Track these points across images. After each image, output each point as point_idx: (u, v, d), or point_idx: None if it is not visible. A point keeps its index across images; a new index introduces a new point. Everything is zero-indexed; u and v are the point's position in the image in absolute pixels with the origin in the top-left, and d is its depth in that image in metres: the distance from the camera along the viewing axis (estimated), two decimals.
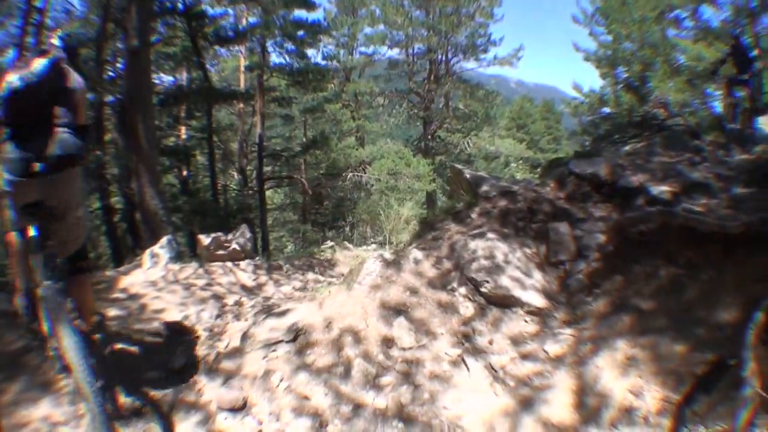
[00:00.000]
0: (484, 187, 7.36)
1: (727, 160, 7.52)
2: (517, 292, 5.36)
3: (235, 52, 26.57)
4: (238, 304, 6.55)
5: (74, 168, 3.62)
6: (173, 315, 6.05)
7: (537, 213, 6.57)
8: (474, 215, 6.93)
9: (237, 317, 5.88)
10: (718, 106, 27.20)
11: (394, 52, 33.13)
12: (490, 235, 6.15)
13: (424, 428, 4.09)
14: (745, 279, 4.32)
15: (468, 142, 31.86)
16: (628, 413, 3.77)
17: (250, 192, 23.99)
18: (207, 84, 21.56)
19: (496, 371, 4.59)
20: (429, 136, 32.14)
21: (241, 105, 24.79)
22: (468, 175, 7.82)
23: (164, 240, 8.88)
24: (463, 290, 5.63)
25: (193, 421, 4.06)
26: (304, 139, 26.84)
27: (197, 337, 5.41)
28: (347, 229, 23.09)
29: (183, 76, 23.90)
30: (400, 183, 25.39)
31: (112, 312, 5.91)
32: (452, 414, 4.21)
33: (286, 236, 29.40)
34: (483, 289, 5.49)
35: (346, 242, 13.58)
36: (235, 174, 25.56)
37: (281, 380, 4.55)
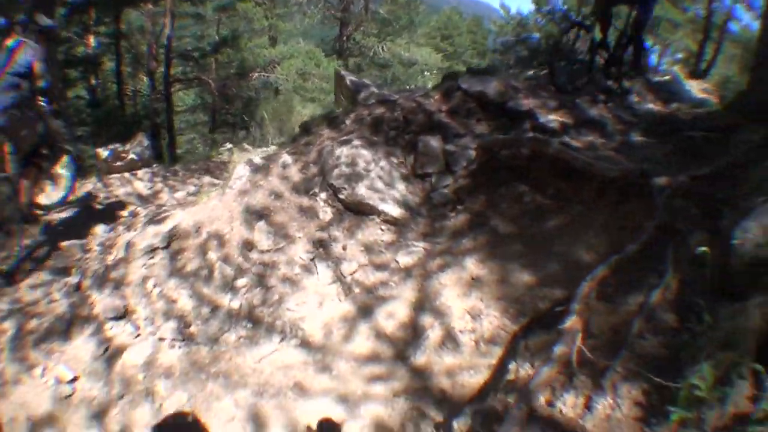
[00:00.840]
0: (363, 94, 7.23)
1: (635, 108, 7.57)
2: (375, 201, 5.36)
3: None
4: (134, 214, 6.68)
5: None
6: (73, 236, 6.06)
7: (411, 124, 6.45)
8: (348, 121, 6.82)
9: (128, 228, 6.01)
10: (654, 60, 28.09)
11: None
12: (357, 142, 6.07)
13: (268, 328, 4.24)
14: (612, 223, 4.41)
15: (383, 47, 31.53)
16: (460, 335, 3.85)
17: (159, 96, 23.07)
18: None
19: (344, 277, 4.65)
20: (344, 38, 31.56)
21: (150, 5, 23.53)
22: (349, 81, 7.67)
23: (65, 159, 8.65)
24: (324, 195, 5.63)
25: (87, 333, 4.26)
26: (217, 39, 25.82)
27: (92, 252, 5.59)
28: (253, 129, 22.71)
29: None
30: (308, 84, 24.79)
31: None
32: (296, 316, 4.32)
33: (197, 138, 28.87)
34: (341, 195, 5.50)
35: (245, 144, 13.29)
36: (145, 78, 24.44)
37: (155, 286, 4.75)
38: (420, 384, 3.58)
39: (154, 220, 5.78)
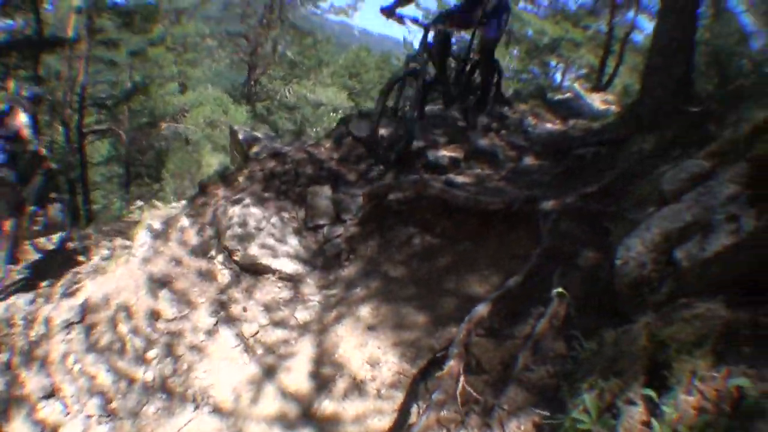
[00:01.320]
0: (256, 149, 7.32)
1: (530, 131, 7.84)
2: (268, 260, 5.48)
3: None
4: (51, 284, 6.53)
5: None
6: None
7: (302, 176, 6.61)
8: (241, 178, 6.93)
9: (47, 299, 5.95)
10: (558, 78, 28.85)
11: None
12: (248, 200, 6.19)
13: (181, 398, 4.28)
14: (502, 254, 4.62)
15: (289, 90, 31.66)
16: (362, 384, 3.98)
17: (75, 146, 22.54)
18: (38, 30, 19.88)
19: (246, 339, 4.74)
20: (252, 82, 31.60)
21: (67, 51, 23.00)
22: (241, 136, 7.74)
23: None
24: (220, 258, 5.74)
25: (23, 413, 4.32)
26: (129, 85, 25.42)
27: (16, 328, 5.52)
28: (164, 182, 22.36)
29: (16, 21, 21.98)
30: (216, 132, 24.66)
31: None
32: (205, 383, 4.38)
33: (113, 192, 28.32)
34: (235, 257, 5.60)
35: (155, 201, 13.21)
36: (60, 128, 23.82)
37: (75, 362, 4.77)
38: None
39: (68, 292, 5.80)
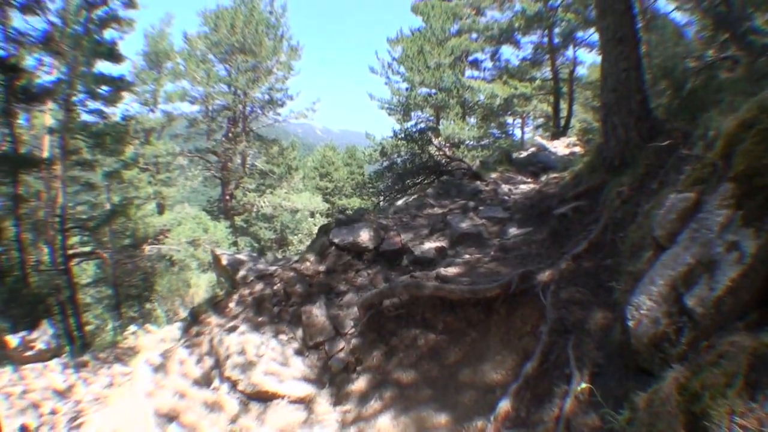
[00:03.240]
0: (242, 272, 7.26)
1: (507, 198, 7.81)
2: (275, 385, 5.33)
3: (41, 110, 24.76)
4: (54, 412, 6.51)
5: None
6: None
7: (292, 295, 6.52)
8: (232, 304, 6.83)
9: (52, 428, 5.93)
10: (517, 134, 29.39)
11: (195, 109, 32.65)
12: (243, 327, 6.11)
13: None
14: (511, 335, 4.51)
15: (264, 201, 31.97)
16: None
17: (62, 268, 22.32)
18: (13, 147, 19.89)
19: None
20: (227, 197, 31.83)
21: (44, 171, 23.01)
22: (225, 261, 7.67)
23: None
24: (225, 387, 5.57)
25: None
26: (108, 207, 25.45)
27: None
28: (156, 303, 22.15)
29: None
30: (199, 251, 24.79)
31: None
32: None
33: (105, 313, 28.03)
34: (240, 387, 5.43)
35: (149, 325, 13.04)
36: (45, 248, 23.67)
37: None
38: None
39: (74, 426, 5.71)
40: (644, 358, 3.07)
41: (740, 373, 2.25)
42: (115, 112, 23.99)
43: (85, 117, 22.33)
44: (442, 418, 4.18)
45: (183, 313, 16.49)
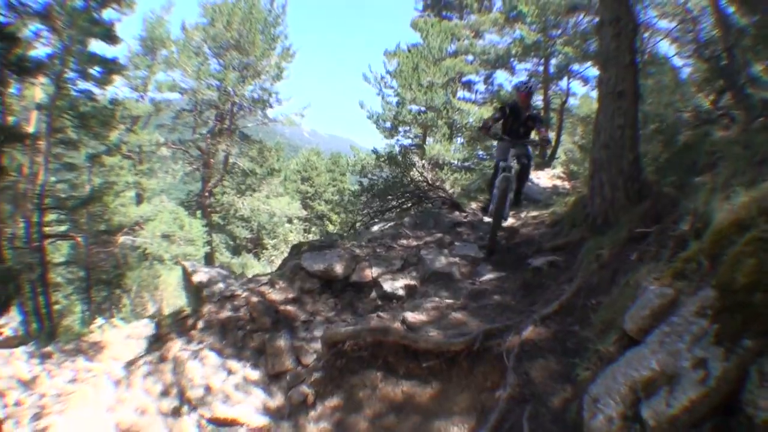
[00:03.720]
0: (208, 291, 7.30)
1: (484, 234, 7.86)
2: (236, 413, 5.39)
3: (33, 83, 24.34)
4: (18, 403, 6.62)
5: None
6: None
7: (258, 321, 6.56)
8: (198, 326, 6.84)
9: (17, 423, 5.98)
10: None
11: (184, 101, 32.37)
12: (207, 352, 6.15)
13: None
14: (472, 388, 4.52)
15: (242, 203, 31.95)
16: None
17: (36, 245, 22.07)
18: (1, 118, 19.60)
19: None
20: (206, 194, 31.68)
21: (29, 146, 22.69)
22: (195, 279, 7.68)
23: None
24: (186, 411, 5.61)
25: None
26: (89, 188, 25.20)
27: None
28: (125, 296, 22.03)
29: None
30: (173, 247, 24.57)
31: None
32: None
33: (74, 293, 27.80)
34: (202, 412, 5.48)
35: (115, 320, 12.98)
36: (21, 222, 23.40)
37: None
38: None
39: (37, 428, 5.71)
40: None
41: None
42: (105, 95, 23.77)
43: (75, 96, 22.19)
44: None
45: (151, 308, 16.43)
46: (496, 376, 4.42)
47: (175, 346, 6.58)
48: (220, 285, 7.48)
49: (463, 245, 7.73)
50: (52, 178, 22.53)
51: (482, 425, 3.98)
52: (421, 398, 4.70)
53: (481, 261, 7.18)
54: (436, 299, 6.26)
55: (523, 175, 7.56)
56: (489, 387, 4.40)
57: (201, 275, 7.76)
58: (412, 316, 5.81)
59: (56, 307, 22.98)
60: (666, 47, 23.81)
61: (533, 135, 7.99)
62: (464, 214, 9.30)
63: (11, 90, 21.05)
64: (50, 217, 23.17)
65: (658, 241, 4.39)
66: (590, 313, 4.41)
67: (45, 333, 16.86)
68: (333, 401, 5.25)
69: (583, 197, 7.05)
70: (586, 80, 22.53)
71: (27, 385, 7.56)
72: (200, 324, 6.79)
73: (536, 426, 3.59)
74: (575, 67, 22.51)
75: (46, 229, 21.79)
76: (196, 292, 7.46)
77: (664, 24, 14.23)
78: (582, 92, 24.69)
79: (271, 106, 32.49)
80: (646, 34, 13.95)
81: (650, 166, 7.37)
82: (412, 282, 6.73)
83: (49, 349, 9.27)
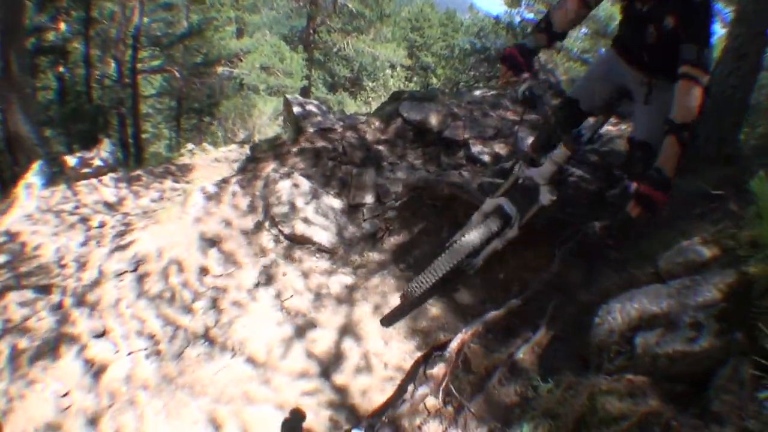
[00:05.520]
0: (307, 123, 7.75)
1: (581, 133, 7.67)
2: (310, 232, 6.14)
3: None
4: (102, 224, 7.25)
5: None
6: (49, 249, 6.64)
7: (349, 155, 7.17)
8: (293, 152, 7.47)
9: (99, 242, 6.59)
10: None
11: None
12: (297, 176, 6.76)
13: (221, 346, 4.98)
14: (520, 263, 5.24)
15: (347, 43, 32.25)
16: (374, 358, 4.80)
17: (127, 81, 23.04)
18: None
19: (283, 301, 5.46)
20: (311, 31, 31.72)
21: None
22: (295, 109, 8.07)
23: (36, 166, 9.05)
24: (267, 225, 6.37)
25: (74, 351, 4.84)
26: (186, 26, 25.64)
27: (68, 269, 6.14)
28: (216, 124, 22.95)
29: None
30: (271, 79, 25.53)
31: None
32: (243, 336, 5.07)
33: (163, 124, 29.04)
34: (281, 227, 6.24)
35: (205, 144, 13.82)
36: (113, 63, 24.23)
37: (127, 307, 5.39)
38: (340, 399, 4.45)
39: (121, 245, 6.33)
40: (591, 354, 3.47)
41: (629, 422, 2.60)
42: None
43: None
44: (433, 309, 5.18)
45: (241, 136, 17.09)
46: (544, 260, 5.02)
47: (269, 167, 7.22)
48: (319, 118, 7.95)
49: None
50: (146, 19, 22.80)
51: (515, 296, 4.71)
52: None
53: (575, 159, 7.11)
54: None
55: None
56: (533, 266, 5.05)
57: (300, 107, 8.19)
58: (489, 180, 6.19)
59: (144, 136, 24.11)
60: None
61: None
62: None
63: None
64: (144, 54, 24.14)
65: (723, 209, 4.43)
66: (641, 240, 4.66)
67: (133, 160, 18.02)
68: (399, 238, 6.06)
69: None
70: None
71: (112, 207, 8.31)
72: (295, 150, 7.42)
73: (557, 314, 4.28)
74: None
75: (139, 65, 22.50)
76: (295, 123, 7.94)
77: None
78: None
79: None
80: None
81: (751, 141, 7.09)
82: (500, 151, 7.05)
83: (138, 173, 10.03)
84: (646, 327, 3.09)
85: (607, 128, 7.01)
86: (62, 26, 21.14)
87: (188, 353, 4.91)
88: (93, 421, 4.26)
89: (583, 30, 25.02)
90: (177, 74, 23.78)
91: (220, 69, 24.85)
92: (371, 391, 4.50)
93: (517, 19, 22.30)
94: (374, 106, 26.46)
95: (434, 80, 39.39)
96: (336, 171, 7.03)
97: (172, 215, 6.74)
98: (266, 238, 6.26)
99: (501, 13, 22.76)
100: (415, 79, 42.51)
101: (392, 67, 37.61)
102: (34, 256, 6.51)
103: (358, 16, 32.46)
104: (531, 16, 25.43)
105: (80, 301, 5.48)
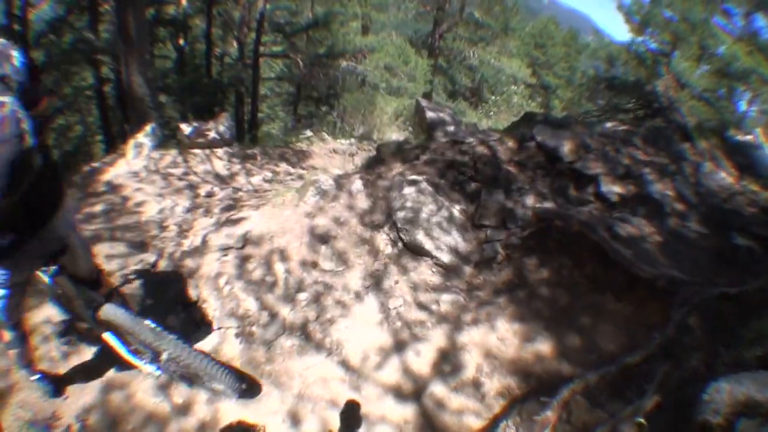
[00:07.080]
0: (439, 132, 7.70)
1: (703, 182, 7.33)
2: (430, 246, 6.01)
3: None
4: (210, 195, 7.46)
5: None
6: (151, 208, 6.85)
7: (480, 172, 6.98)
8: (421, 159, 7.39)
9: (206, 212, 6.80)
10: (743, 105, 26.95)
11: None
12: (424, 185, 6.63)
13: (317, 343, 4.97)
14: (634, 319, 4.97)
15: (473, 53, 32.19)
16: (473, 383, 4.64)
17: (248, 62, 23.58)
18: None
19: (389, 310, 5.38)
20: (437, 36, 31.90)
21: None
22: (428, 114, 8.04)
23: (149, 128, 9.26)
24: (386, 230, 6.33)
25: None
26: (310, 15, 26.10)
27: (168, 232, 6.32)
28: (334, 115, 23.19)
29: None
30: (394, 81, 25.45)
31: (97, 207, 6.71)
32: (342, 337, 5.04)
33: (280, 107, 29.65)
34: (402, 235, 6.15)
35: (324, 133, 13.93)
36: (234, 43, 24.90)
37: (226, 284, 5.47)
38: (428, 419, 4.33)
39: (231, 219, 6.44)
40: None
41: None
42: None
43: None
44: (542, 347, 4.94)
45: (360, 130, 17.25)
46: (657, 317, 4.80)
47: (395, 170, 7.20)
48: (451, 127, 7.90)
49: (683, 181, 7.45)
50: (269, 6, 23.15)
51: (624, 354, 4.48)
52: (594, 300, 5.24)
53: (693, 208, 6.74)
54: (641, 222, 6.29)
55: None
56: (650, 325, 4.77)
57: (434, 113, 8.16)
58: (618, 227, 5.97)
59: (260, 115, 24.58)
60: None
61: None
62: (693, 149, 9.00)
63: None
64: (266, 38, 24.26)
65: None
66: (753, 316, 4.48)
67: (248, 137, 18.39)
68: (519, 267, 5.82)
69: None
70: None
71: (223, 179, 8.46)
72: (425, 157, 7.35)
73: (666, 381, 4.04)
74: None
75: (261, 48, 22.89)
76: (426, 129, 7.90)
77: None
78: None
79: None
80: None
81: None
82: (626, 192, 6.78)
83: (253, 151, 10.19)
84: (749, 413, 3.03)
85: (729, 181, 7.09)
86: (183, 2, 21.68)
87: (281, 342, 4.90)
88: (163, 387, 4.31)
89: (705, 67, 24.21)
90: (300, 62, 24.08)
91: (343, 63, 25.06)
92: (465, 416, 4.38)
93: (642, 48, 21.72)
94: (495, 119, 27.27)
95: (556, 101, 39.33)
96: (465, 186, 6.88)
97: (288, 201, 6.78)
98: (383, 242, 6.22)
99: (628, 40, 22.19)
100: (537, 98, 41.73)
101: (515, 82, 37.40)
102: (135, 212, 6.70)
103: (483, 26, 32.50)
104: (655, 46, 24.81)
105: (176, 266, 5.60)
